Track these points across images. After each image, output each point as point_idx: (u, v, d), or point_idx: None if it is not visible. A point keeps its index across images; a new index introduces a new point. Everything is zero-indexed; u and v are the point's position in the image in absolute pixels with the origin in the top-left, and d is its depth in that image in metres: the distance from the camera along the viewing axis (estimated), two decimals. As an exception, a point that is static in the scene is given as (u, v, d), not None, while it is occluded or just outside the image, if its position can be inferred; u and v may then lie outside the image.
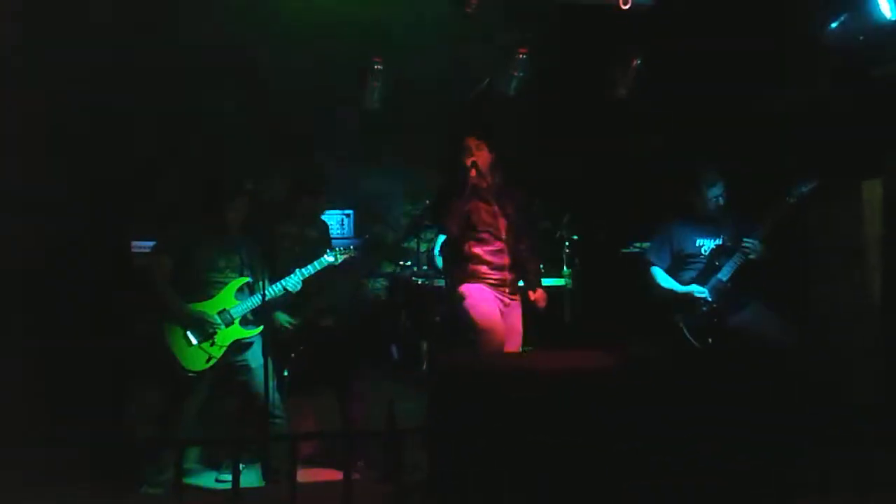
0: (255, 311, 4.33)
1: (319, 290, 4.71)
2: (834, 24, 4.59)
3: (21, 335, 4.27)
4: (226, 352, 4.23)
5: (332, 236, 5.23)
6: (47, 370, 4.28)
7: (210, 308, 4.23)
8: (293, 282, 4.43)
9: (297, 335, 4.70)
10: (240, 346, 4.27)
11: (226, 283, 4.31)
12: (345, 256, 4.61)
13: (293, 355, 4.67)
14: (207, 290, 4.27)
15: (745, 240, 4.46)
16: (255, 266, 4.36)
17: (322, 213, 5.14)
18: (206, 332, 4.18)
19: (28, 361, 4.22)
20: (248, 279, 4.34)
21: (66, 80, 4.57)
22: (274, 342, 4.41)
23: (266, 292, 4.27)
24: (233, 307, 4.27)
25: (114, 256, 5.00)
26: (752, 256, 4.45)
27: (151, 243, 4.62)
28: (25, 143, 4.39)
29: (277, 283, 4.40)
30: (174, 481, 3.30)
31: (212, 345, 4.19)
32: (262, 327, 4.29)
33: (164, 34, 4.92)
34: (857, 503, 3.23)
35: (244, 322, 4.32)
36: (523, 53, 5.34)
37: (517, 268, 4.51)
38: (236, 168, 5.18)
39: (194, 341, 4.18)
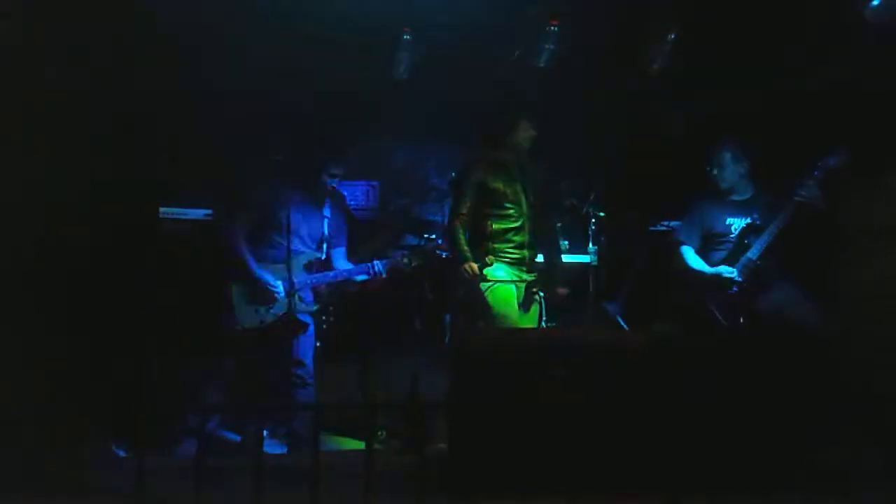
0: (315, 289, 4.37)
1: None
2: (875, 2, 4.50)
3: (51, 303, 4.32)
4: (276, 320, 4.30)
5: (357, 207, 5.23)
6: (78, 336, 4.33)
7: (276, 274, 4.30)
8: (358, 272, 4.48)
9: (327, 303, 4.73)
10: (291, 318, 4.32)
11: (301, 253, 4.33)
12: (416, 264, 4.62)
13: (325, 326, 4.70)
14: (280, 254, 4.30)
15: (798, 190, 4.37)
16: (335, 239, 4.38)
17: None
18: (264, 296, 4.27)
19: (57, 329, 4.28)
20: (320, 256, 4.36)
21: (93, 52, 4.56)
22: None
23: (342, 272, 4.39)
24: (297, 278, 4.30)
25: (142, 223, 5.01)
26: (802, 198, 4.33)
27: (177, 210, 4.67)
28: (48, 115, 4.41)
29: (357, 266, 4.45)
30: (199, 445, 3.34)
31: (267, 311, 4.29)
32: (317, 306, 4.33)
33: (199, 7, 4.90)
34: (878, 497, 3.19)
35: (304, 297, 4.38)
36: (554, 25, 5.27)
37: (536, 247, 4.54)
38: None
39: (251, 302, 4.28)
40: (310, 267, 4.37)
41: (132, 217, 4.82)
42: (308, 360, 4.31)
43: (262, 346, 4.39)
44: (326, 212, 4.40)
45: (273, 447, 4.25)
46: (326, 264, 4.50)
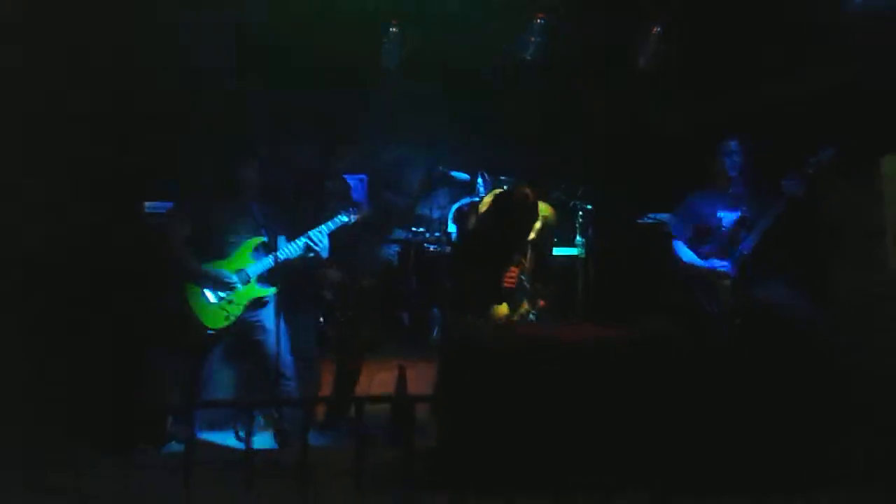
0: (271, 271, 4.37)
1: (355, 251, 4.77)
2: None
3: (37, 303, 4.31)
4: (243, 310, 4.30)
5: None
6: (66, 337, 4.33)
7: (227, 267, 4.30)
8: (311, 240, 4.44)
9: (344, 296, 4.76)
10: (257, 305, 4.34)
11: (242, 243, 4.36)
12: (359, 216, 4.60)
13: (341, 318, 4.72)
14: (225, 250, 4.34)
15: (785, 185, 4.40)
16: (271, 226, 4.40)
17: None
18: (224, 290, 4.26)
19: (45, 329, 4.28)
20: (263, 238, 4.39)
21: (75, 45, 4.54)
22: (322, 302, 4.60)
23: (286, 250, 4.35)
24: (249, 266, 4.34)
25: (126, 220, 4.99)
26: (789, 193, 4.37)
27: (166, 204, 4.65)
28: (33, 111, 4.39)
29: (293, 242, 4.43)
30: (188, 441, 3.35)
31: (230, 303, 4.27)
32: (277, 286, 4.34)
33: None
34: (879, 492, 3.21)
35: (261, 281, 4.37)
36: (541, 19, 5.28)
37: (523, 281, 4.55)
38: (252, 132, 5.16)
39: (213, 300, 4.25)
40: (258, 250, 4.39)
41: (117, 214, 4.83)
42: (284, 353, 4.30)
43: (237, 343, 4.37)
44: (254, 206, 4.40)
45: (263, 443, 4.26)
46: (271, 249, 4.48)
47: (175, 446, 4.12)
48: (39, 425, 3.73)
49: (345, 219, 4.55)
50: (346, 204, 4.77)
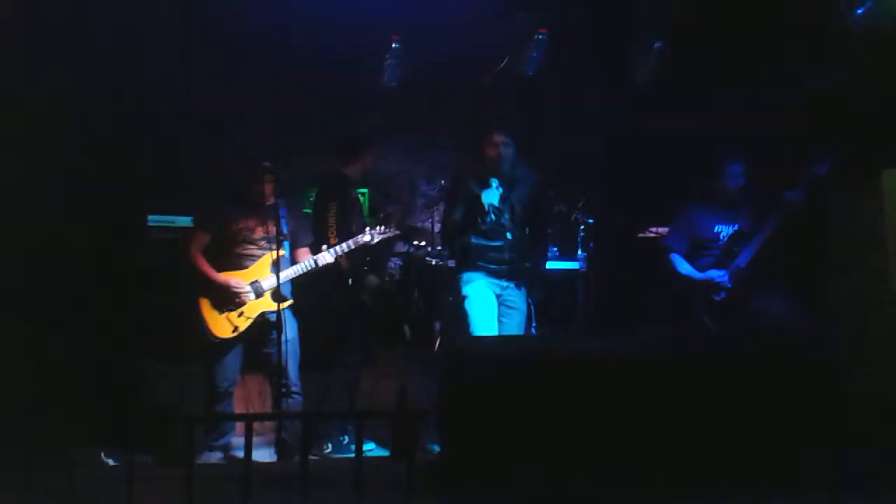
0: (285, 285, 4.30)
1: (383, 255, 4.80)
2: (860, 10, 4.55)
3: (38, 305, 4.32)
4: (252, 324, 4.25)
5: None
6: (66, 338, 4.34)
7: (243, 279, 4.27)
8: (327, 257, 4.40)
9: (379, 297, 4.80)
10: (267, 320, 4.27)
11: (262, 256, 4.32)
12: (383, 236, 4.56)
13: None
14: (243, 261, 4.30)
15: (786, 193, 4.41)
16: (297, 238, 4.38)
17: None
18: (234, 301, 4.22)
19: (46, 330, 4.29)
20: (283, 252, 4.31)
21: (84, 60, 4.59)
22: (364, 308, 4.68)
23: (302, 266, 4.32)
24: (265, 279, 4.29)
25: (130, 232, 5.03)
26: (788, 205, 4.37)
27: (171, 217, 4.68)
28: (42, 125, 4.43)
29: (309, 259, 4.39)
30: (184, 453, 3.33)
31: (239, 315, 4.23)
32: (291, 301, 4.30)
33: (189, 11, 4.92)
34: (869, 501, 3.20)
35: (275, 295, 4.26)
36: (542, 34, 5.31)
37: (519, 258, 4.40)
38: (263, 144, 5.20)
39: (222, 310, 4.22)
40: (276, 264, 4.32)
41: (122, 223, 4.86)
42: (292, 368, 4.28)
43: (240, 353, 4.35)
44: (283, 212, 4.37)
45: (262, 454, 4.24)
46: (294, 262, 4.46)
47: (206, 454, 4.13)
48: (39, 425, 3.73)
49: (367, 238, 4.49)
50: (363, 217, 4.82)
